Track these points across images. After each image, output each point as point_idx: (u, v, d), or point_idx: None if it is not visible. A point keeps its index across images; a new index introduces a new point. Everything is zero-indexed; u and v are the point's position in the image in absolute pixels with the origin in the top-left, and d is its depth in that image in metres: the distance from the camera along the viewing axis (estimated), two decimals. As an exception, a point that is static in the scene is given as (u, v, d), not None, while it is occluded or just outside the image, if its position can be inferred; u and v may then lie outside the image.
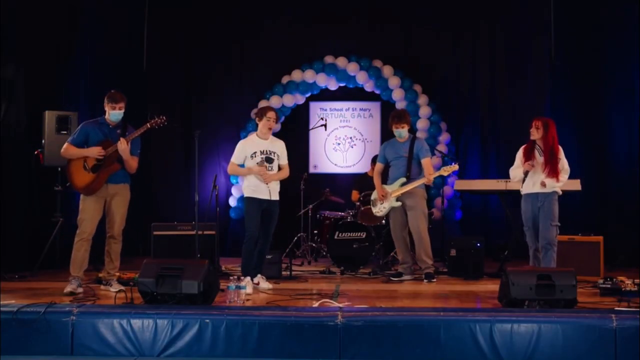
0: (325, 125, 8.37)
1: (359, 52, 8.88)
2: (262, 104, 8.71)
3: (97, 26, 8.03)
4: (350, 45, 8.98)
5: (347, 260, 6.97)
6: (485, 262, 6.67)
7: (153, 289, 4.34)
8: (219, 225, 7.09)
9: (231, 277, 5.14)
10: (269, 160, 5.53)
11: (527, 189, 5.53)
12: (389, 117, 6.33)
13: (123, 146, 5.11)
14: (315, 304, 4.55)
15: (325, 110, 9.38)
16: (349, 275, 6.69)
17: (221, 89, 9.22)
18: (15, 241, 6.58)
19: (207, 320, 3.98)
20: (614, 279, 5.24)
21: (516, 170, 5.64)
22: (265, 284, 5.51)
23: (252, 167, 5.48)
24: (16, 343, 4.01)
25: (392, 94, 8.76)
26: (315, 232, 7.85)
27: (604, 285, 5.21)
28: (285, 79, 8.87)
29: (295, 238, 7.91)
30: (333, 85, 8.99)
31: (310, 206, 7.88)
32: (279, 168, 5.64)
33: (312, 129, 8.74)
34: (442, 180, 7.87)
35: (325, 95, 9.24)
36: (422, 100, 8.74)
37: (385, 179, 6.39)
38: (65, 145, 5.17)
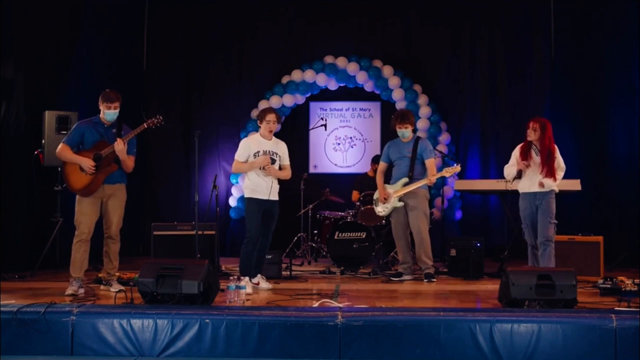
0: (325, 125, 8.37)
1: (359, 52, 8.88)
2: (262, 104, 8.71)
3: (97, 26, 8.03)
4: (350, 45, 8.98)
5: (347, 260, 6.97)
6: (485, 262, 6.67)
7: (153, 289, 4.34)
8: (219, 225, 7.10)
9: (231, 277, 5.15)
10: (272, 161, 5.55)
11: (524, 188, 5.57)
12: (393, 116, 6.33)
13: (120, 147, 5.07)
14: (315, 304, 4.55)
15: (325, 110, 9.37)
16: (349, 275, 6.69)
17: (221, 89, 9.21)
18: (15, 241, 6.58)
19: (207, 320, 3.98)
20: (614, 279, 5.25)
21: (510, 168, 5.68)
22: (265, 284, 5.51)
23: (256, 159, 5.47)
24: (16, 343, 4.02)
25: (392, 94, 8.76)
26: (315, 232, 7.85)
27: (604, 285, 5.22)
28: (285, 79, 8.87)
29: (295, 238, 7.91)
30: (333, 85, 8.99)
31: (310, 206, 7.88)
32: (280, 169, 5.66)
33: (312, 129, 8.74)
34: (442, 181, 7.87)
35: (325, 95, 9.24)
36: (422, 100, 8.74)
37: (388, 179, 6.39)
38: (60, 146, 5.13)
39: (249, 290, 5.15)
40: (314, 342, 3.94)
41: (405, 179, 6.16)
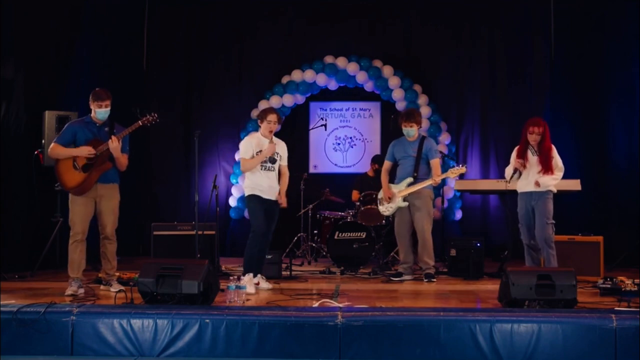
0: (325, 126, 8.37)
1: (359, 52, 8.88)
2: (262, 104, 8.71)
3: (97, 26, 8.03)
4: (350, 45, 8.98)
5: (347, 260, 6.97)
6: (485, 262, 6.67)
7: (153, 289, 4.34)
8: (219, 225, 7.09)
9: (231, 277, 5.14)
10: (273, 160, 5.56)
11: (522, 187, 5.60)
12: (399, 115, 6.32)
13: (115, 144, 5.03)
14: (315, 304, 4.55)
15: (325, 110, 9.38)
16: (349, 275, 6.69)
17: (221, 89, 9.22)
18: (15, 241, 6.58)
19: (207, 320, 3.98)
20: (614, 279, 5.25)
21: (509, 168, 5.71)
22: (265, 284, 5.51)
23: (265, 149, 5.46)
24: (16, 343, 4.02)
25: (392, 94, 8.76)
26: (315, 232, 7.85)
27: (604, 285, 5.22)
28: (285, 79, 8.87)
29: (295, 238, 7.91)
30: (333, 85, 8.99)
31: (310, 206, 7.88)
32: (280, 170, 5.68)
33: (312, 129, 8.74)
34: (442, 180, 7.86)
35: (325, 95, 9.24)
36: (422, 100, 8.74)
37: (392, 178, 6.38)
38: (52, 145, 5.11)
39: (250, 289, 5.15)
40: (314, 342, 3.94)
41: (410, 179, 6.15)
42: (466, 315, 4.02)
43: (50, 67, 7.22)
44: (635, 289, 5.08)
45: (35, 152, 6.56)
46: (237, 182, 8.80)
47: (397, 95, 8.71)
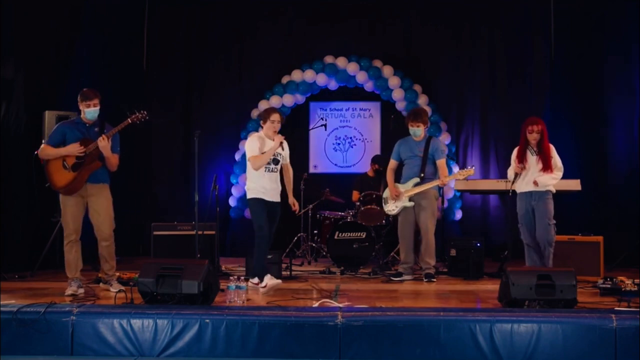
0: (325, 126, 8.37)
1: (359, 52, 8.88)
2: (262, 104, 8.72)
3: (97, 26, 8.03)
4: (350, 45, 8.98)
5: (347, 260, 6.97)
6: (485, 262, 6.67)
7: (153, 289, 4.34)
8: (219, 225, 7.09)
9: (231, 277, 5.13)
10: (276, 162, 5.56)
11: (521, 188, 5.60)
12: (407, 115, 6.31)
13: (104, 143, 5.00)
14: (315, 304, 4.56)
15: (325, 110, 9.37)
16: (349, 275, 6.69)
17: (221, 89, 9.21)
18: (15, 241, 6.58)
19: (207, 320, 3.98)
20: (614, 279, 5.25)
21: (511, 171, 5.72)
22: (272, 281, 5.41)
23: (274, 145, 5.43)
24: (16, 343, 4.02)
25: (392, 94, 8.76)
26: (315, 232, 7.84)
27: (604, 285, 5.22)
28: (285, 79, 8.87)
29: (295, 238, 7.90)
30: (333, 85, 8.99)
31: (310, 206, 7.88)
32: (281, 167, 5.68)
33: (312, 129, 8.74)
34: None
35: (325, 95, 9.23)
36: (422, 100, 8.73)
37: (397, 178, 6.37)
38: (42, 146, 5.10)
39: (275, 281, 5.17)
40: (314, 342, 3.94)
41: (417, 179, 6.14)
42: (466, 315, 4.02)
43: (50, 67, 7.22)
44: (635, 289, 5.08)
45: (35, 152, 6.53)
46: (237, 182, 8.80)
47: (397, 95, 8.71)
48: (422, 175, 6.13)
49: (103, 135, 5.02)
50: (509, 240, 6.97)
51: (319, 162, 9.36)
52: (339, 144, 9.37)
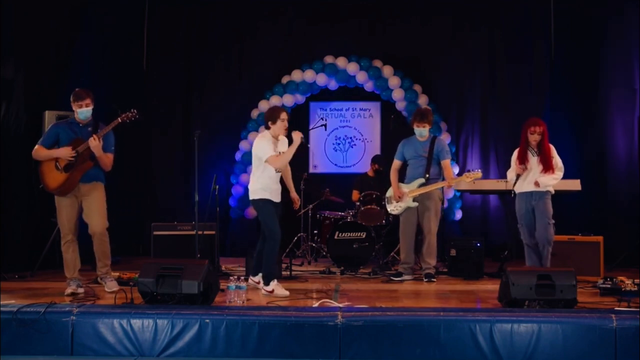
0: (325, 126, 8.35)
1: (359, 52, 8.88)
2: (262, 104, 8.72)
3: (97, 26, 8.03)
4: (350, 45, 8.98)
5: (347, 260, 6.97)
6: (485, 262, 6.67)
7: (153, 289, 4.34)
8: (219, 226, 7.10)
9: (231, 277, 5.13)
10: None
11: (521, 188, 5.60)
12: (412, 115, 6.30)
13: (95, 142, 4.98)
14: (315, 304, 4.56)
15: (325, 110, 9.38)
16: (349, 275, 6.69)
17: (221, 89, 9.21)
18: (15, 241, 6.58)
19: (207, 320, 3.98)
20: (614, 279, 5.25)
21: (512, 173, 5.72)
22: (280, 290, 5.41)
23: (295, 142, 5.34)
24: (16, 343, 4.02)
25: (392, 94, 8.76)
26: (315, 232, 7.84)
27: (604, 285, 5.22)
28: (285, 79, 8.87)
29: (295, 238, 7.90)
30: (333, 85, 8.99)
31: (310, 206, 7.88)
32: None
33: (312, 129, 8.73)
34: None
35: (325, 95, 9.23)
36: (422, 100, 8.74)
37: (401, 177, 6.36)
38: (35, 148, 5.09)
39: (284, 292, 5.14)
40: (314, 342, 3.94)
41: (422, 180, 6.13)
42: (466, 315, 4.02)
43: (50, 67, 7.22)
44: (635, 289, 5.08)
45: (34, 153, 6.56)
46: (237, 182, 8.79)
47: (397, 95, 8.71)
48: (428, 175, 6.12)
49: (94, 135, 5.00)
50: (509, 240, 6.97)
51: (319, 162, 9.36)
52: (339, 144, 9.37)
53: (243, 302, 4.64)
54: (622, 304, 4.59)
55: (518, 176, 5.59)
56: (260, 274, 5.52)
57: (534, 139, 5.50)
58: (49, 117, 6.59)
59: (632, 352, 3.83)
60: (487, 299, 5.08)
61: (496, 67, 8.97)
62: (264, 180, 5.40)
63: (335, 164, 9.36)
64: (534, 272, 4.39)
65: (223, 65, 9.29)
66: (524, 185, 5.56)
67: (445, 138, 8.70)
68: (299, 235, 7.89)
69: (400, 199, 6.20)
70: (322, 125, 8.24)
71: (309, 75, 8.75)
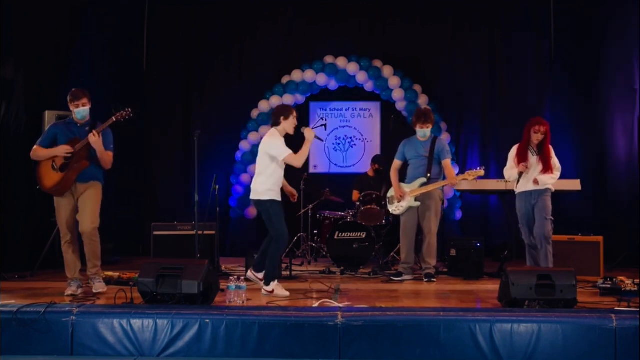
0: (325, 126, 8.35)
1: (359, 52, 8.88)
2: (262, 104, 8.72)
3: (97, 26, 8.04)
4: (350, 45, 8.98)
5: (347, 260, 6.97)
6: (485, 262, 6.67)
7: (153, 289, 4.34)
8: (219, 226, 7.10)
9: (231, 277, 5.13)
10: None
11: (521, 187, 5.61)
12: (414, 115, 6.29)
13: (95, 138, 4.97)
14: (315, 304, 4.55)
15: (325, 110, 9.38)
16: (349, 275, 6.69)
17: (221, 89, 9.21)
18: (15, 241, 6.58)
19: (207, 320, 3.98)
20: (614, 279, 5.25)
21: (511, 171, 5.71)
22: (280, 291, 5.40)
23: (308, 138, 5.43)
24: (16, 343, 4.02)
25: (392, 94, 8.76)
26: (315, 232, 7.84)
27: (604, 285, 5.22)
28: (285, 79, 8.87)
29: (295, 238, 7.89)
30: (333, 85, 8.99)
31: (310, 206, 7.87)
32: None
33: (312, 128, 8.72)
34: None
35: (325, 95, 9.24)
36: (422, 100, 8.74)
37: (401, 178, 6.35)
38: (33, 148, 5.09)
39: (284, 292, 5.13)
40: (314, 342, 3.94)
41: (423, 179, 6.13)
42: (466, 315, 4.02)
43: (50, 67, 7.22)
44: (635, 289, 5.08)
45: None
46: (237, 182, 8.79)
47: (397, 95, 8.71)
48: (429, 175, 6.12)
49: (94, 131, 5.00)
50: (510, 240, 6.97)
51: (319, 162, 9.36)
52: (339, 144, 9.37)
53: (243, 302, 4.64)
54: (622, 304, 4.59)
55: (520, 175, 5.57)
56: (263, 272, 5.50)
57: (536, 138, 5.50)
58: (49, 117, 6.60)
59: (632, 352, 3.83)
60: (487, 299, 5.08)
61: (496, 67, 8.97)
62: (273, 180, 5.34)
63: (335, 164, 9.36)
64: (534, 272, 4.39)
65: (223, 65, 9.29)
66: (524, 185, 5.56)
67: (445, 138, 8.70)
68: (299, 235, 7.88)
69: (402, 198, 6.20)
70: (322, 125, 8.23)
71: (309, 75, 8.75)
